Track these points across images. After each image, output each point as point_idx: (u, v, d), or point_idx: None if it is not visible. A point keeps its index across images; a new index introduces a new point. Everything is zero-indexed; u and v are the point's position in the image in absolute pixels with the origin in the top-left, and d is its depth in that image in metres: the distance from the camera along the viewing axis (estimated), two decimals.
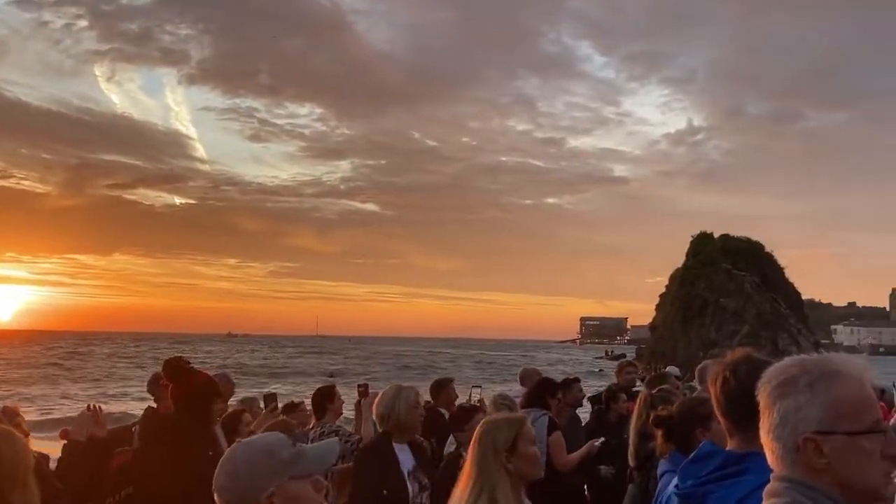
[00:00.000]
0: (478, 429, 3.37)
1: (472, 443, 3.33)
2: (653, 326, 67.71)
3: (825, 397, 1.67)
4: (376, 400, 4.79)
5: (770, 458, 1.74)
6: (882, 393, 12.23)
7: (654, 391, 5.49)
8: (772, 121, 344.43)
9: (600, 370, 66.30)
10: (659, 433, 3.74)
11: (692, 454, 2.51)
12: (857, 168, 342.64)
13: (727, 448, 2.39)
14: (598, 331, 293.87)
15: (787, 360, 1.79)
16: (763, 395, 1.75)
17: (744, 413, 2.28)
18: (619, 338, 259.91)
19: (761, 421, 1.75)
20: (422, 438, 5.13)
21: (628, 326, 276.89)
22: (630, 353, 75.54)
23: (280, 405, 7.08)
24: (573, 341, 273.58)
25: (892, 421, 8.28)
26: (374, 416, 4.86)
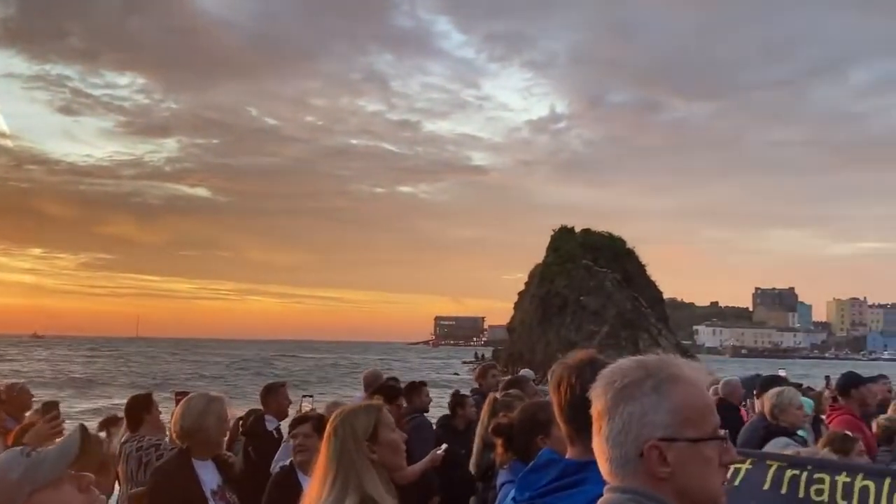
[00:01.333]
0: (331, 420, 3.30)
1: (325, 437, 3.26)
2: (511, 326, 69.22)
3: (671, 402, 1.70)
4: (178, 411, 4.59)
5: (605, 468, 1.74)
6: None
7: (499, 396, 5.57)
8: (636, 110, 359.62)
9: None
10: (499, 442, 3.78)
11: (530, 463, 2.54)
12: (724, 162, 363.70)
13: (567, 456, 2.42)
14: (454, 331, 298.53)
15: (625, 361, 1.81)
16: (602, 398, 1.75)
17: (586, 419, 2.32)
18: (475, 338, 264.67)
19: (597, 427, 1.74)
20: (228, 453, 4.99)
21: (486, 326, 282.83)
22: (487, 354, 76.93)
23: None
24: (427, 342, 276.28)
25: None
26: (172, 430, 4.67)
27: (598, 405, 1.75)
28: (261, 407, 7.65)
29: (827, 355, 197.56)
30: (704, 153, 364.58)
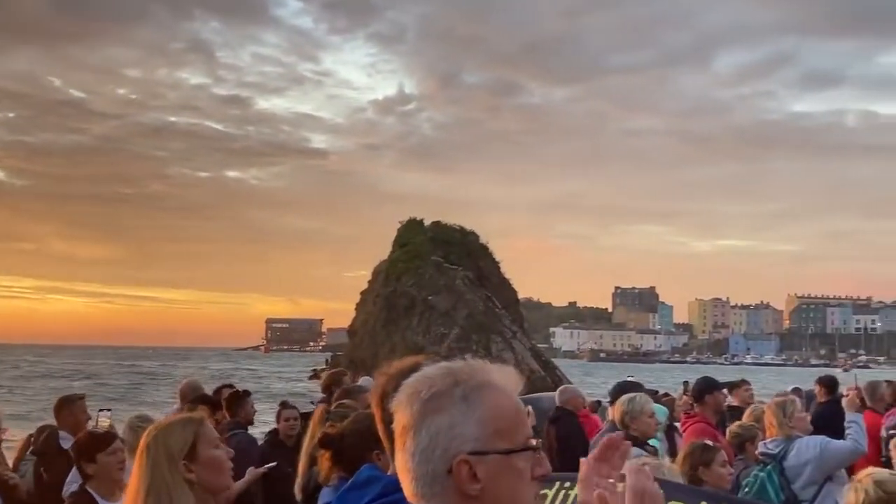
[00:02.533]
0: (144, 436, 3.21)
1: (137, 455, 3.17)
2: (352, 329, 69.05)
3: (481, 412, 1.69)
4: None
5: (409, 489, 1.72)
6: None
7: (332, 407, 5.56)
8: (491, 92, 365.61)
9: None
10: (325, 456, 3.74)
11: (351, 480, 2.55)
12: (583, 151, 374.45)
13: (390, 472, 2.44)
14: (288, 335, 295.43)
15: (432, 368, 1.78)
16: (407, 410, 1.72)
17: None
18: (312, 343, 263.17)
19: (400, 442, 1.72)
20: (11, 474, 4.80)
21: (324, 329, 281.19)
22: (323, 361, 76.36)
23: None
24: (257, 348, 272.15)
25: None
26: None
27: (402, 418, 1.72)
28: (54, 422, 7.38)
29: (689, 359, 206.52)
30: (562, 141, 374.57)
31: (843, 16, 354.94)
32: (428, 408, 1.69)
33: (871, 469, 4.10)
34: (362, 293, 69.77)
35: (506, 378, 1.78)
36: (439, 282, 60.44)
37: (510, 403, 1.75)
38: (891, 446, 5.06)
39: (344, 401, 6.07)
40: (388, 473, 2.45)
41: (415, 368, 2.48)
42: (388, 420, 2.44)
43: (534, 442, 1.74)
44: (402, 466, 1.73)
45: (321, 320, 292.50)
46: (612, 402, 7.68)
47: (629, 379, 9.81)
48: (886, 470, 4.10)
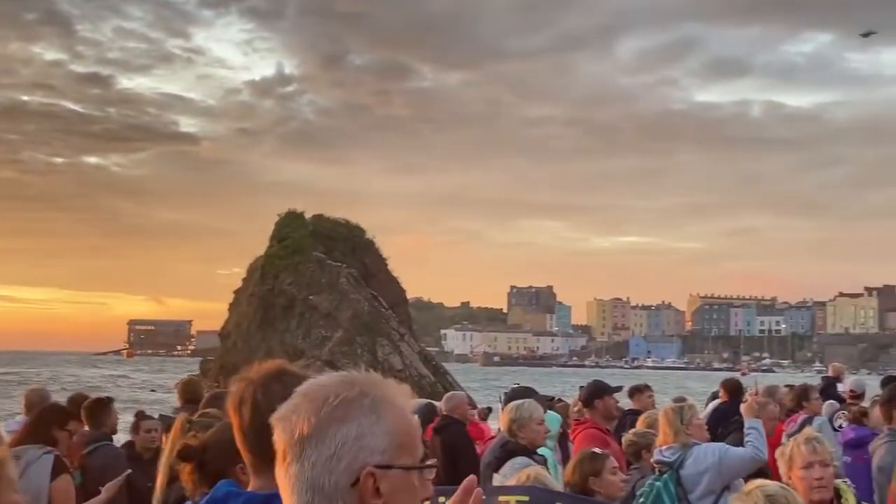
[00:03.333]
0: None
1: None
2: (224, 332, 68.08)
3: (389, 424, 1.72)
4: None
5: (301, 499, 1.72)
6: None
7: (195, 416, 5.45)
8: (378, 75, 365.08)
9: None
10: (186, 468, 3.66)
11: (207, 497, 2.51)
12: (477, 140, 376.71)
13: (250, 488, 2.42)
14: (153, 338, 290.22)
15: (328, 377, 1.80)
16: (307, 419, 1.72)
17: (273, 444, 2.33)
18: (180, 347, 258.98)
19: (294, 453, 1.72)
20: None
21: (193, 332, 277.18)
22: (194, 366, 75.26)
23: None
24: (119, 352, 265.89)
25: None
26: None
27: (300, 427, 1.71)
28: None
29: (587, 363, 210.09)
30: (456, 129, 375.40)
31: (747, 1, 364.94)
32: (335, 416, 1.71)
33: (760, 481, 4.22)
34: (236, 292, 68.80)
35: (403, 392, 1.83)
36: (321, 280, 60.09)
37: (409, 418, 1.79)
38: (776, 455, 5.20)
39: (209, 409, 5.95)
40: (249, 489, 2.42)
41: (279, 373, 2.47)
42: (245, 427, 2.41)
43: (431, 461, 1.80)
44: (292, 480, 1.72)
45: (190, 322, 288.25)
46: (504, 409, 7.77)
47: (520, 385, 9.87)
48: (776, 483, 4.22)
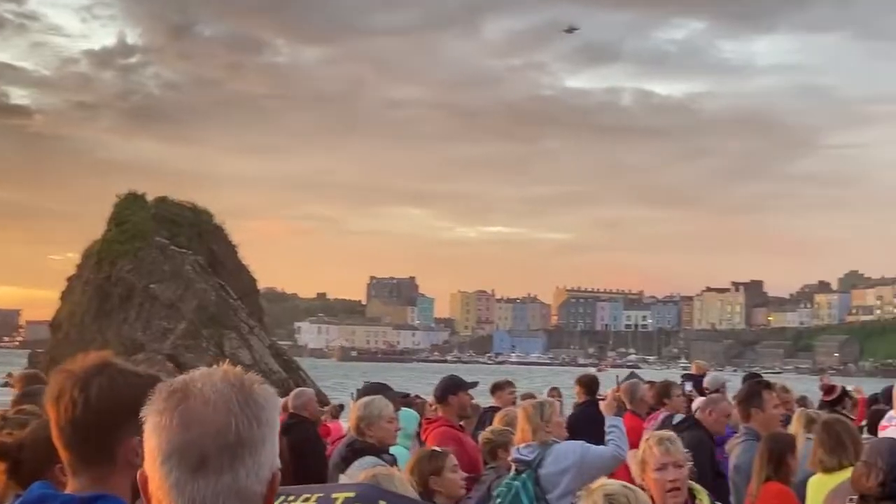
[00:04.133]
0: None
1: None
2: (55, 323, 66.18)
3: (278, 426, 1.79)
4: None
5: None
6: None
7: (10, 411, 5.30)
8: (230, 48, 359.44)
9: None
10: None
11: (19, 500, 2.46)
12: (335, 121, 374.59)
13: (68, 490, 2.37)
14: None
15: (212, 374, 1.76)
16: (251, 422, 1.70)
17: (97, 443, 2.29)
18: (7, 338, 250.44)
19: (228, 459, 1.68)
20: None
21: (22, 322, 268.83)
22: (23, 359, 72.94)
23: None
24: None
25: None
26: None
27: (237, 432, 1.67)
28: None
29: (449, 358, 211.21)
30: (313, 108, 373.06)
31: None
32: (266, 419, 1.72)
33: (603, 480, 4.33)
34: (69, 279, 66.91)
35: None
36: (164, 267, 58.91)
37: None
38: (629, 456, 5.35)
39: (25, 406, 5.79)
40: (67, 491, 2.37)
41: (103, 366, 2.42)
42: (64, 423, 2.36)
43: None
44: (221, 487, 1.67)
45: (18, 311, 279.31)
46: None
47: (372, 381, 9.83)
48: (619, 482, 4.33)
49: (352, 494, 3.15)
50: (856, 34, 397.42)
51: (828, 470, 6.00)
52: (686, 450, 5.12)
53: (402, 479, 4.19)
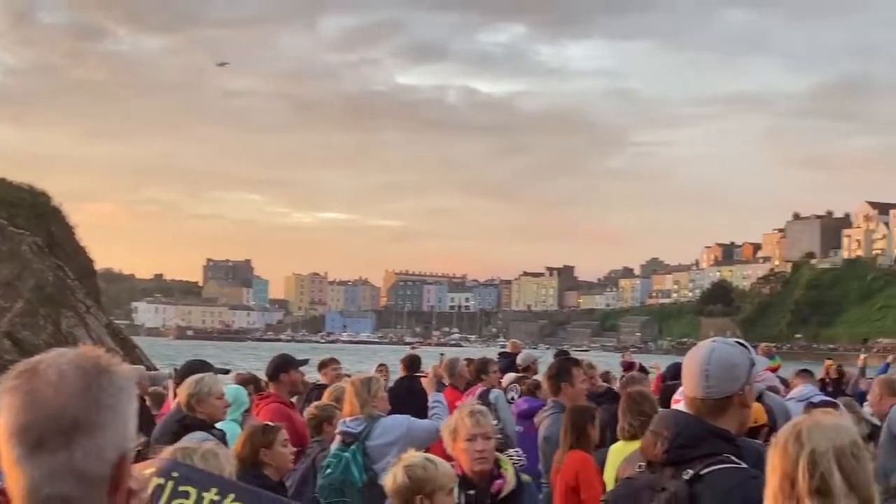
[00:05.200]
0: None
1: None
2: None
3: (134, 405, 1.73)
4: None
5: (60, 490, 1.62)
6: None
7: None
8: (72, 35, 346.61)
9: None
10: None
11: None
12: (175, 109, 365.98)
13: None
14: None
15: (74, 354, 1.70)
16: (86, 402, 1.64)
17: None
18: None
19: (65, 439, 1.61)
20: None
21: None
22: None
23: None
24: None
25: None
26: None
27: (73, 411, 1.62)
28: None
29: (283, 337, 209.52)
30: (153, 95, 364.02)
31: None
32: (118, 403, 1.67)
33: (411, 453, 4.33)
34: None
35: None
36: (1, 247, 56.56)
37: None
38: (441, 427, 5.37)
39: None
40: None
41: None
42: None
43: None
44: (58, 465, 1.61)
45: None
46: (178, 384, 7.55)
47: (195, 358, 9.58)
48: (422, 454, 4.33)
49: (153, 469, 3.09)
50: (661, 43, 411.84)
51: (629, 438, 6.15)
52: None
53: (226, 454, 4.07)
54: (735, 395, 3.11)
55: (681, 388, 7.92)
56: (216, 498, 3.05)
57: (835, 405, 8.09)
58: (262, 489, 3.82)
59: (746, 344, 3.27)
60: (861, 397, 10.47)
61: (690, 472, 2.95)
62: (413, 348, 26.31)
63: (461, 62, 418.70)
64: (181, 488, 3.04)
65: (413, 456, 4.19)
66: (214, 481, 3.17)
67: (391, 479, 4.13)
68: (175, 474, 3.08)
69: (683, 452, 2.99)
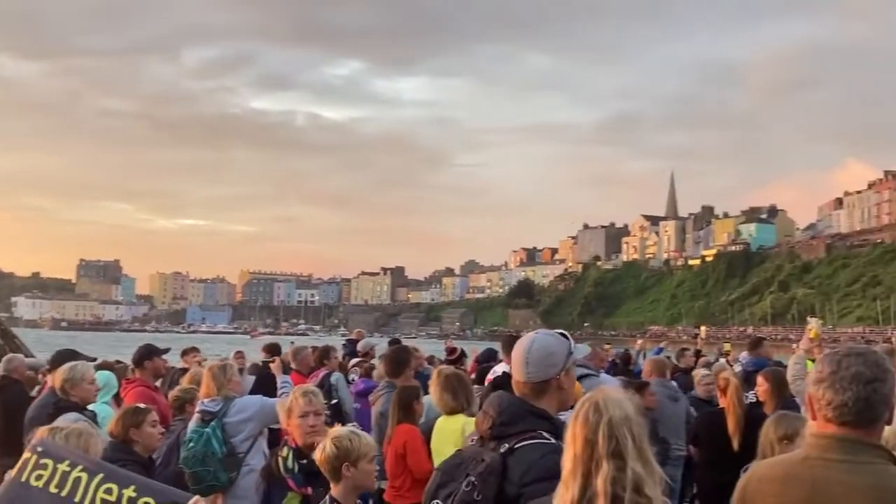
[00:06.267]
0: None
1: None
2: None
3: None
4: None
5: None
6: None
7: None
8: None
9: None
10: None
11: None
12: (54, 128, 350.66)
13: None
14: None
15: None
16: None
17: None
18: None
19: None
20: None
21: None
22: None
23: None
24: None
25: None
26: None
27: None
28: None
29: (148, 328, 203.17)
30: (32, 116, 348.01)
31: (297, 27, 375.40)
32: None
33: (337, 427, 4.31)
34: None
35: None
36: None
37: None
38: (277, 406, 5.39)
39: None
40: None
41: None
42: None
43: None
44: None
45: None
46: (50, 370, 7.34)
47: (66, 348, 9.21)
48: (347, 428, 4.32)
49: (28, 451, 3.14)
50: (476, 79, 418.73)
51: (448, 413, 6.23)
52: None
53: (76, 432, 3.96)
54: (553, 380, 3.14)
55: (493, 369, 8.12)
56: (67, 469, 3.06)
57: (646, 384, 8.43)
58: (131, 464, 3.74)
59: (567, 334, 3.29)
60: (638, 375, 10.89)
61: (507, 445, 3.00)
62: (252, 337, 25.94)
63: (307, 91, 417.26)
64: (42, 461, 3.07)
65: (339, 429, 4.19)
66: (72, 456, 3.18)
67: (321, 450, 4.08)
68: (40, 449, 3.13)
69: (505, 429, 3.04)
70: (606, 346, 14.97)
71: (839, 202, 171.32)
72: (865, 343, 21.83)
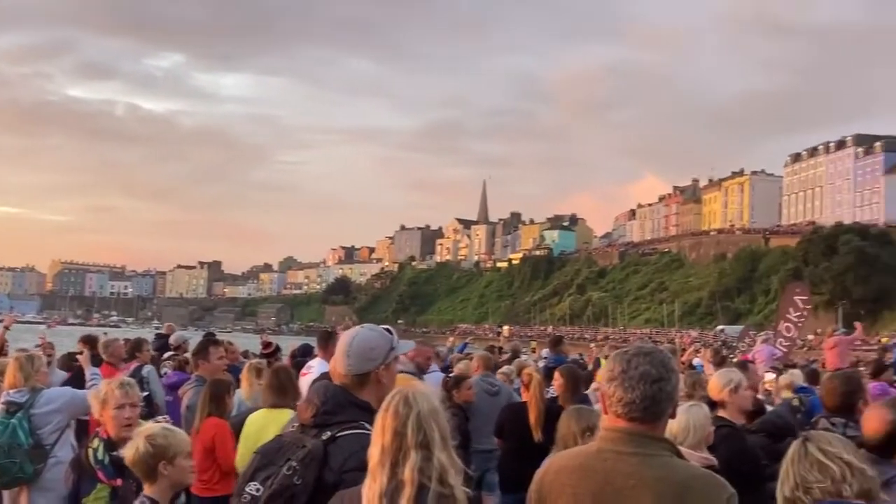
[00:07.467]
0: None
1: None
2: None
3: None
4: None
5: None
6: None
7: None
8: None
9: None
10: None
11: None
12: None
13: None
14: None
15: None
16: None
17: None
18: None
19: None
20: None
21: None
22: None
23: None
24: None
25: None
26: None
27: None
28: None
29: None
30: None
31: (118, 16, 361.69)
32: None
33: (149, 425, 4.04)
34: None
35: None
36: None
37: None
38: (91, 396, 5.16)
39: None
40: None
41: None
42: None
43: None
44: None
45: None
46: None
47: None
48: (160, 425, 4.05)
49: None
50: (299, 80, 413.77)
51: (272, 407, 6.05)
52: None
53: None
54: (372, 373, 3.16)
55: (308, 363, 8.08)
56: None
57: (464, 379, 8.61)
58: None
59: (392, 330, 3.30)
60: (447, 370, 11.09)
61: (329, 433, 3.01)
62: (49, 327, 24.57)
63: (128, 81, 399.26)
64: None
65: (151, 427, 3.91)
66: None
67: (132, 450, 3.78)
68: None
69: (327, 418, 3.05)
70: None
71: (633, 213, 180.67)
72: (652, 343, 23.22)
